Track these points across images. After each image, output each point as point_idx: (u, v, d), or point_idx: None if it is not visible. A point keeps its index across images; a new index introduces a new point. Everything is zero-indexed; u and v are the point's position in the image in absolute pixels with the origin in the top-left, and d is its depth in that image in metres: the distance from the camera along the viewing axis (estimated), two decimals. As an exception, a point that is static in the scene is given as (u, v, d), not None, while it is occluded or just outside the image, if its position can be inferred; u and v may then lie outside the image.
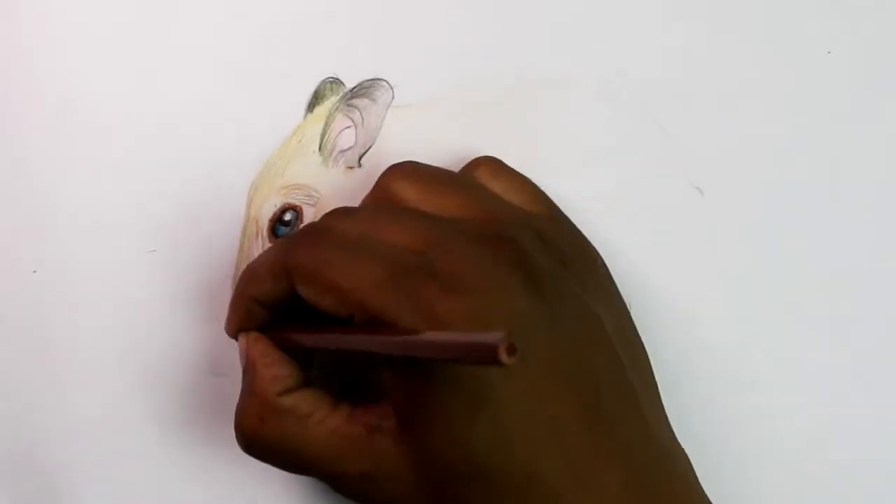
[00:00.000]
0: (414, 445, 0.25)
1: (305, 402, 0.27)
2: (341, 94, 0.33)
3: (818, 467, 0.32)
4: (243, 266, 0.33)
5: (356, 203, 0.32)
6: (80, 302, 0.34)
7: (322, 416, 0.26)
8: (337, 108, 0.33)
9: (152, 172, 0.34)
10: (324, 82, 0.33)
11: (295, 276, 0.26)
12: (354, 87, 0.33)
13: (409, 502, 0.25)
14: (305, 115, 0.33)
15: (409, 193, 0.29)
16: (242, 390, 0.28)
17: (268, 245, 0.33)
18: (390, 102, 0.33)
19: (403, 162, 0.30)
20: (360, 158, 0.33)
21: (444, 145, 0.33)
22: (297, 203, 0.33)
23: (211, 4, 0.33)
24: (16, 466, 0.35)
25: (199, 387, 0.34)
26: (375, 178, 0.32)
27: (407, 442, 0.25)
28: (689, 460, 0.28)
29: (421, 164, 0.30)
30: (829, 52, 0.32)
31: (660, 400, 0.28)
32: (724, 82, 0.32)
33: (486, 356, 0.20)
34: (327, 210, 0.33)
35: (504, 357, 0.19)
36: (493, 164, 0.31)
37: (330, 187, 0.33)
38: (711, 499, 0.27)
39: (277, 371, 0.27)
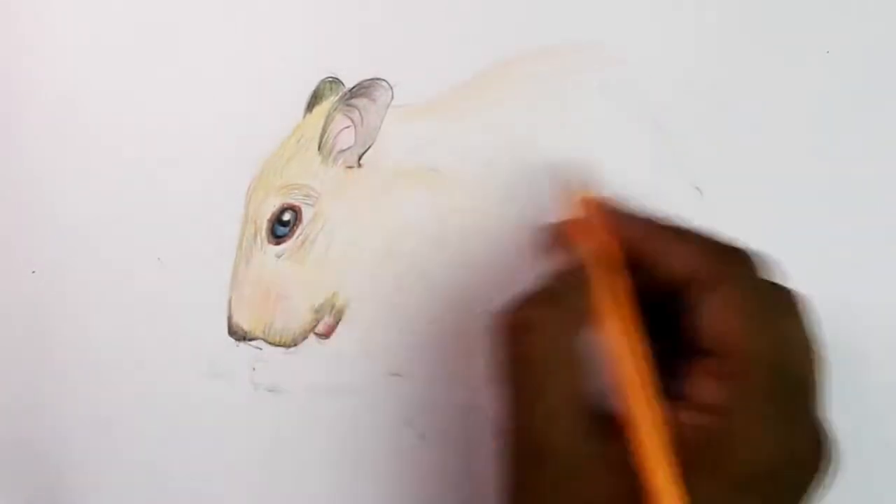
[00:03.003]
0: None
1: (580, 345, 0.26)
2: (340, 93, 0.33)
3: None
4: (242, 266, 0.33)
5: (355, 202, 0.32)
6: (79, 302, 0.34)
7: (580, 367, 0.26)
8: (336, 108, 0.33)
9: (151, 172, 0.34)
10: (323, 82, 0.33)
11: (724, 283, 0.26)
12: (354, 87, 0.33)
13: None
14: (304, 115, 0.33)
15: None
16: (545, 287, 0.27)
17: (267, 245, 0.33)
18: (390, 102, 0.33)
19: None
20: (359, 158, 0.33)
21: (444, 145, 0.33)
22: (296, 203, 0.33)
23: (210, 4, 0.34)
24: (16, 466, 0.35)
25: (198, 387, 0.34)
26: (375, 178, 0.32)
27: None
28: None
29: None
30: (828, 52, 0.32)
31: None
32: (724, 82, 0.32)
33: None
34: (327, 210, 0.33)
35: None
36: None
37: (329, 187, 0.33)
38: None
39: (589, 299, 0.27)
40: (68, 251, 0.34)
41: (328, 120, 0.33)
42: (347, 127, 0.33)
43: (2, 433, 0.35)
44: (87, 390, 0.34)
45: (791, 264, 0.28)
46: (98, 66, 0.34)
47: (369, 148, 0.33)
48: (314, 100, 0.33)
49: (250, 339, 0.33)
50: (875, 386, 0.32)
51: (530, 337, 0.26)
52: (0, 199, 0.34)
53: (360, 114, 0.33)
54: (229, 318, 0.33)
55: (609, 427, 0.25)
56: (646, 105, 0.32)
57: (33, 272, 0.34)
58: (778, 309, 0.26)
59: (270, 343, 0.33)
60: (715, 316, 0.26)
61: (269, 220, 0.33)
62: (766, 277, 0.27)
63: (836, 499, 0.26)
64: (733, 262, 0.27)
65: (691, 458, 0.24)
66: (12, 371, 0.35)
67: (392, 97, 0.33)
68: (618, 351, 0.26)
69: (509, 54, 0.33)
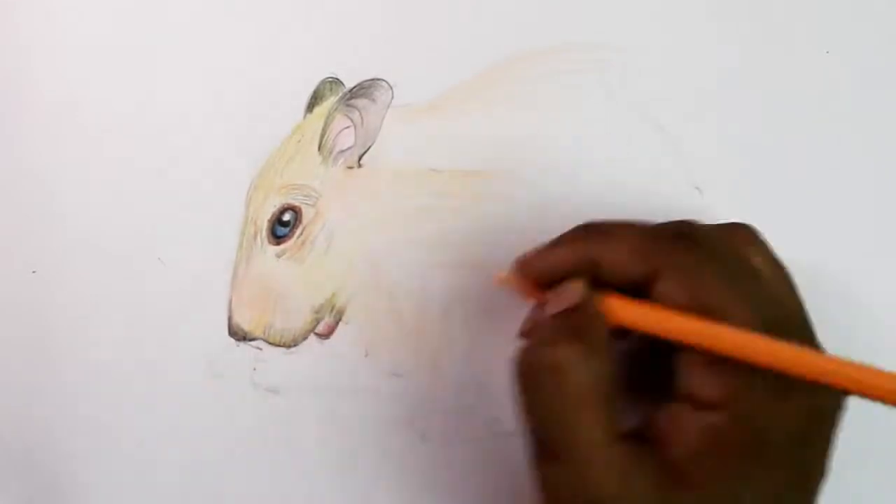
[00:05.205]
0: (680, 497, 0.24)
1: (608, 372, 0.25)
2: (341, 94, 0.33)
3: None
4: (242, 266, 0.33)
5: (355, 202, 0.32)
6: (79, 302, 0.34)
7: (609, 395, 0.25)
8: (336, 108, 0.33)
9: (152, 172, 0.34)
10: (323, 82, 0.33)
11: (665, 271, 0.25)
12: (354, 88, 0.33)
13: None
14: (305, 115, 0.33)
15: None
16: (561, 325, 0.26)
17: (267, 246, 0.33)
18: (390, 102, 0.33)
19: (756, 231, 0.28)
20: (359, 158, 0.33)
21: (444, 145, 0.33)
22: (297, 203, 0.33)
23: (211, 5, 0.34)
24: (17, 465, 0.35)
25: (197, 387, 0.34)
26: (375, 178, 0.32)
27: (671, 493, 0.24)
28: None
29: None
30: (827, 52, 0.32)
31: None
32: (724, 82, 0.32)
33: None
34: (327, 210, 0.33)
35: None
36: None
37: (329, 187, 0.33)
38: None
39: (605, 325, 0.26)
40: (68, 251, 0.34)
41: (328, 120, 0.33)
42: (347, 127, 0.33)
43: (2, 433, 0.35)
44: (87, 390, 0.34)
45: (791, 264, 0.28)
46: (98, 66, 0.34)
47: (369, 148, 0.33)
48: (314, 100, 0.33)
49: (250, 339, 0.33)
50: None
51: (561, 377, 0.25)
52: (0, 199, 0.34)
53: (361, 114, 0.33)
54: (229, 319, 0.34)
55: (646, 443, 0.25)
56: (646, 105, 0.32)
57: (33, 272, 0.34)
58: (735, 276, 0.26)
59: (270, 343, 0.33)
60: (670, 303, 0.25)
61: (270, 221, 0.33)
62: (715, 248, 0.26)
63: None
64: (668, 250, 0.26)
65: (722, 460, 0.24)
66: (12, 371, 0.35)
67: (392, 97, 0.33)
68: (678, 325, 0.25)
69: (509, 54, 0.33)
